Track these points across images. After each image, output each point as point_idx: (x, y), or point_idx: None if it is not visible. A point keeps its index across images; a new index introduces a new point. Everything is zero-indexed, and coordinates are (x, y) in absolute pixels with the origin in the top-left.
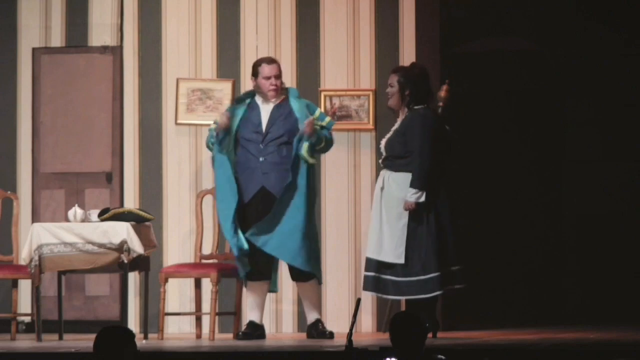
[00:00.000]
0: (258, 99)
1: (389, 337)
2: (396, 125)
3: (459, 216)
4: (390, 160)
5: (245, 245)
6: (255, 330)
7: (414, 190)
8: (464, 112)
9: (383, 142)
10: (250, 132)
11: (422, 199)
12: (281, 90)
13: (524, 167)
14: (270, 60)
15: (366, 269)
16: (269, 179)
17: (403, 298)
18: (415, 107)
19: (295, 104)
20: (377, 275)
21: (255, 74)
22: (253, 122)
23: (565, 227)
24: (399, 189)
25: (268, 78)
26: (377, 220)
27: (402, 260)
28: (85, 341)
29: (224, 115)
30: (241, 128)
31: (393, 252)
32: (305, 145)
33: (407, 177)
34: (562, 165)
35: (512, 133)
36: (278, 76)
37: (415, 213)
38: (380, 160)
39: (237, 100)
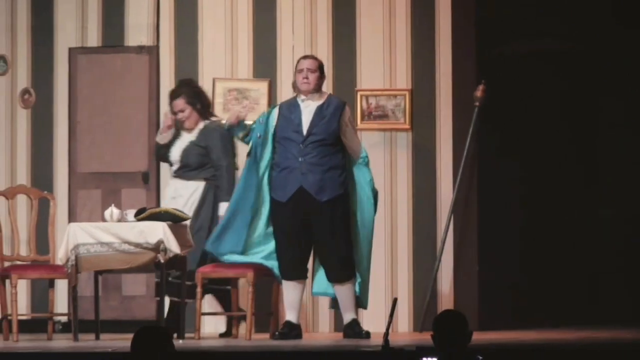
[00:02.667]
0: (299, 99)
1: (431, 336)
2: (192, 137)
3: (490, 216)
4: (183, 170)
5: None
6: (292, 330)
7: (226, 204)
8: (498, 113)
9: (177, 152)
10: (290, 132)
11: None
12: (318, 90)
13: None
14: (308, 56)
15: None
16: (307, 179)
17: None
18: (213, 120)
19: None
20: None
21: (295, 70)
22: (293, 122)
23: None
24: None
25: (301, 71)
26: None
27: None
28: (121, 341)
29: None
30: (280, 128)
31: None
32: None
33: (198, 185)
34: (598, 164)
35: (547, 134)
36: (312, 70)
37: None
38: (173, 170)
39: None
